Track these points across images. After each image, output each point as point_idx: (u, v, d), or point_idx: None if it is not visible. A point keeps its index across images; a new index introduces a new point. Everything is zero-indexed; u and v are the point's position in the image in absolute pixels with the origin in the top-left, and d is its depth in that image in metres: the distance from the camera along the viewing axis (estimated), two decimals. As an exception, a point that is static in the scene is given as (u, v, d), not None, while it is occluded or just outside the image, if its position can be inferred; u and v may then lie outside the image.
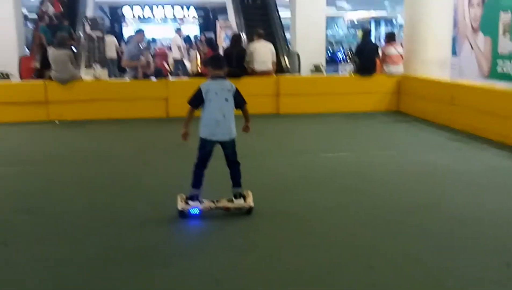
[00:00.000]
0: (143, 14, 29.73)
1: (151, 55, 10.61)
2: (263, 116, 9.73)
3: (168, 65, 14.35)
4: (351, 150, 7.07)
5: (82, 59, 14.80)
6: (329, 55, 20.03)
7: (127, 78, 10.10)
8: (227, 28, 17.53)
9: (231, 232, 4.15)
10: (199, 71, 11.48)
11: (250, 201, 4.46)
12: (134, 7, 29.28)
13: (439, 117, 8.79)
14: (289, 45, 16.51)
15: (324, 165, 6.28)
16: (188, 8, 29.33)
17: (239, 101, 4.58)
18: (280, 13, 17.38)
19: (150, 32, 26.49)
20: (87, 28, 15.39)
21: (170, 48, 17.16)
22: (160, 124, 9.26)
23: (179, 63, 15.83)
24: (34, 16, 18.65)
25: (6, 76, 13.28)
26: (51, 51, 9.63)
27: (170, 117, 9.67)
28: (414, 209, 4.61)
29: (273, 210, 4.61)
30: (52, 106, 9.41)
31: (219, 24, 18.61)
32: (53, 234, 4.09)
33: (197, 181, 4.45)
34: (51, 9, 14.72)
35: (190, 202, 4.39)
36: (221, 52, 13.14)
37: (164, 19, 30.90)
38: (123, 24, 30.11)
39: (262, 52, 10.09)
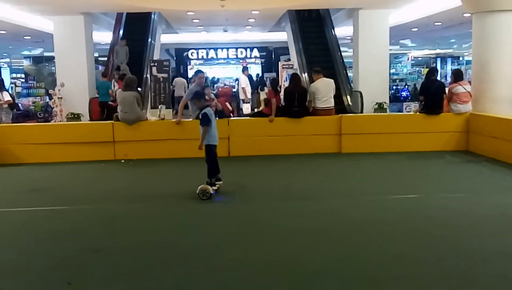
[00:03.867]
0: (207, 56, 30.64)
1: (214, 95, 10.75)
2: (325, 155, 9.62)
3: (230, 105, 14.54)
4: (418, 192, 6.77)
5: (149, 100, 15.31)
6: (393, 93, 19.67)
7: (190, 118, 10.27)
8: (289, 68, 17.62)
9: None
10: (260, 110, 11.50)
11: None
12: (199, 50, 30.28)
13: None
14: (351, 84, 16.39)
15: (390, 207, 6.02)
16: (251, 50, 29.99)
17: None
18: (342, 52, 17.35)
19: (214, 72, 27.24)
20: (154, 70, 15.95)
21: (235, 87, 17.56)
22: (221, 162, 9.28)
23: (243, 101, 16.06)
24: (104, 58, 19.60)
25: (77, 116, 13.92)
26: (119, 92, 9.98)
27: (231, 156, 9.71)
28: (491, 256, 4.29)
29: (338, 255, 4.42)
30: (118, 145, 9.69)
31: (281, 64, 18.75)
32: (118, 274, 4.09)
33: (218, 169, 6.78)
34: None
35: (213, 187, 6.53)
36: (282, 92, 13.17)
37: (228, 60, 31.69)
38: (188, 65, 31.10)
39: (324, 90, 10.03)
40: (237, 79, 24.96)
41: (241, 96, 16.63)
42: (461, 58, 29.56)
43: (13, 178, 8.34)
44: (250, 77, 18.79)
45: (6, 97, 11.00)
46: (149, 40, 18.09)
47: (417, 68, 26.63)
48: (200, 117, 6.70)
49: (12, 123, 11.09)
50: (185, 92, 16.69)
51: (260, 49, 30.08)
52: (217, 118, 9.81)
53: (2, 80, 13.19)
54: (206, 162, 6.76)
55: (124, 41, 15.98)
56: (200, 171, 8.59)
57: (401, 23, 17.34)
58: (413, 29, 20.01)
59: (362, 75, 15.53)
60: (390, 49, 17.12)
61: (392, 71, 23.56)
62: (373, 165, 8.84)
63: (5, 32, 18.71)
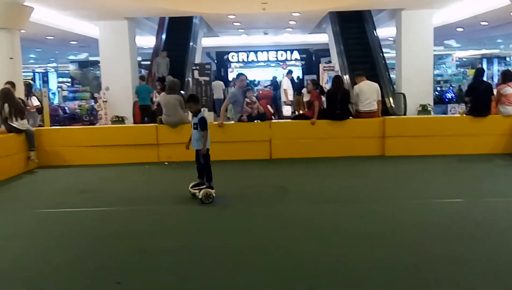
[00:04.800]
0: (247, 58, 30.80)
1: (256, 98, 10.79)
2: (368, 157, 9.50)
3: (272, 107, 14.55)
4: (465, 195, 6.59)
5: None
6: (437, 95, 19.25)
7: (232, 121, 10.34)
8: (330, 70, 17.50)
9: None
10: (302, 113, 11.46)
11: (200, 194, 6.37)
12: (240, 52, 30.46)
13: None
14: (394, 86, 16.15)
15: (437, 210, 5.88)
16: (291, 52, 29.95)
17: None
18: (384, 53, 17.13)
19: (254, 75, 27.36)
20: (196, 73, 16.13)
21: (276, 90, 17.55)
22: (263, 164, 9.32)
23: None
24: (147, 62, 19.95)
25: (121, 119, 14.22)
26: (162, 96, 10.13)
27: (273, 159, 9.71)
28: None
29: (384, 257, 4.35)
30: (162, 148, 9.83)
31: (321, 66, 18.64)
32: (165, 274, 4.14)
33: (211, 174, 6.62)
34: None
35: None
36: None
37: (268, 63, 31.75)
38: (229, 68, 31.32)
39: (368, 92, 9.90)
40: (272, 81, 24.91)
41: (283, 98, 16.57)
42: (507, 59, 28.64)
43: (62, 180, 8.58)
44: (292, 80, 18.75)
45: (35, 102, 11.20)
46: (191, 43, 18.32)
47: (462, 69, 25.95)
48: (199, 121, 6.54)
49: (38, 126, 11.25)
50: (224, 95, 16.84)
51: (300, 51, 29.99)
52: (259, 121, 9.93)
53: (31, 85, 13.39)
54: (204, 166, 6.64)
55: (165, 53, 16.15)
56: (242, 173, 8.67)
57: (446, 23, 16.99)
58: (458, 29, 19.56)
59: (405, 76, 15.30)
60: (434, 50, 16.79)
61: (436, 72, 23.04)
62: (418, 168, 8.67)
63: (53, 37, 19.31)
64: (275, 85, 22.21)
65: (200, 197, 6.38)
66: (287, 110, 16.38)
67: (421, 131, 9.83)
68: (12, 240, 5.25)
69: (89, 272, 4.25)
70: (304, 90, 16.12)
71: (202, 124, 6.53)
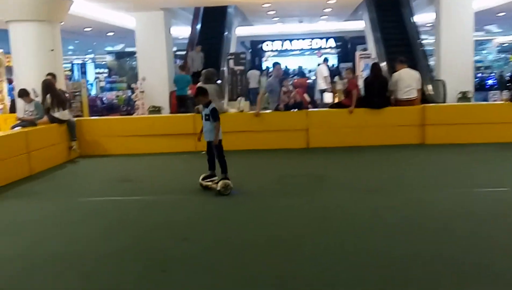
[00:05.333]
0: (282, 47, 30.66)
1: (292, 86, 10.72)
2: (408, 146, 9.36)
3: (308, 95, 14.45)
4: (508, 185, 6.41)
5: (226, 92, 15.54)
6: (477, 81, 18.77)
7: (269, 110, 10.32)
8: (367, 57, 17.25)
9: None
10: (339, 101, 11.35)
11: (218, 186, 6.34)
12: (274, 41, 30.34)
13: None
14: (433, 73, 15.80)
15: (481, 200, 5.75)
16: (326, 40, 29.65)
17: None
18: (422, 40, 16.76)
19: (289, 63, 27.22)
20: (231, 63, 16.16)
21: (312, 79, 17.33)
22: (300, 154, 9.29)
23: (321, 93, 15.83)
24: (182, 52, 20.08)
25: (158, 109, 14.36)
26: (200, 86, 10.17)
27: (310, 148, 9.66)
28: None
29: (426, 247, 4.28)
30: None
31: (358, 54, 18.39)
32: (208, 262, 4.18)
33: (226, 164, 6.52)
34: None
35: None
36: (360, 82, 12.92)
37: (302, 51, 31.53)
38: (263, 57, 31.26)
39: (407, 80, 9.71)
40: (297, 70, 24.54)
41: (321, 86, 16.23)
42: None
43: (102, 169, 8.75)
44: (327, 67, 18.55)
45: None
46: (226, 33, 18.33)
47: (503, 55, 25.20)
48: (210, 112, 6.51)
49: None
50: (258, 84, 16.80)
51: (335, 39, 29.68)
52: (296, 110, 9.88)
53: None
54: (218, 157, 6.58)
55: (199, 47, 16.13)
56: (280, 162, 8.65)
57: (486, 7, 16.47)
58: (499, 14, 18.96)
59: (444, 63, 14.92)
60: (474, 35, 16.31)
61: (476, 58, 22.45)
62: (459, 156, 8.49)
63: (90, 29, 19.64)
64: (301, 75, 22.00)
65: (218, 188, 6.33)
66: (328, 97, 16.09)
67: (462, 119, 9.62)
68: (60, 227, 5.39)
69: (135, 259, 4.33)
70: (336, 78, 15.94)
71: (214, 115, 6.51)
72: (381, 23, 17.41)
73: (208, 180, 6.65)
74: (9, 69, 13.95)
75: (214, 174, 6.69)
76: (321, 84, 15.88)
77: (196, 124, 9.89)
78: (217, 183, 6.44)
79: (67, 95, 11.23)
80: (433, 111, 9.83)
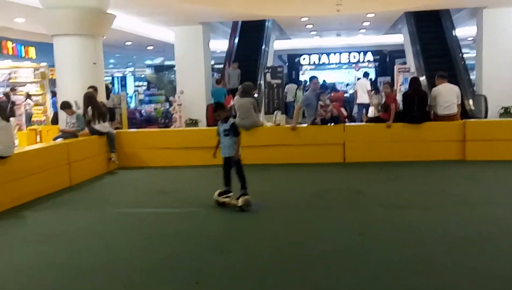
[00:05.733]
0: (319, 61, 30.61)
1: (329, 100, 10.66)
2: (448, 162, 9.15)
3: (345, 109, 14.32)
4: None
5: (263, 105, 15.57)
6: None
7: (305, 124, 10.29)
8: (406, 71, 17.03)
9: None
10: (378, 115, 11.20)
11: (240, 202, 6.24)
12: (312, 55, 30.34)
13: None
14: (474, 88, 15.49)
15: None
16: (365, 53, 29.46)
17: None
18: (463, 53, 16.47)
19: (326, 77, 27.11)
20: (268, 76, 16.21)
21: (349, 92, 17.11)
22: (336, 168, 9.20)
23: (364, 107, 15.56)
24: (220, 66, 20.30)
25: (195, 122, 14.53)
26: (237, 99, 10.24)
27: (347, 162, 9.56)
28: None
29: (472, 267, 4.15)
30: (235, 150, 9.91)
31: (396, 67, 18.18)
32: (243, 275, 4.19)
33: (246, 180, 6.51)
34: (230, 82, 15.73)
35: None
36: (399, 96, 12.75)
37: (339, 65, 31.41)
38: (300, 71, 31.27)
39: (447, 95, 9.53)
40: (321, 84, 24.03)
41: (361, 100, 15.88)
42: None
43: (140, 181, 8.87)
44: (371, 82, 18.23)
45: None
46: (263, 47, 18.44)
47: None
48: (231, 127, 6.46)
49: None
50: (295, 98, 16.77)
51: (374, 53, 29.45)
52: (332, 124, 9.82)
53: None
54: (238, 173, 6.47)
55: (236, 64, 16.14)
56: (316, 177, 8.59)
57: (531, 21, 16.05)
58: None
59: (486, 78, 14.63)
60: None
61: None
62: (501, 173, 8.25)
63: (131, 43, 20.09)
64: (334, 90, 21.77)
65: (240, 204, 6.24)
66: (371, 111, 15.77)
67: (505, 135, 9.36)
68: (98, 238, 5.47)
69: (170, 271, 4.36)
70: (372, 92, 15.63)
71: (235, 130, 6.48)
72: (420, 36, 17.21)
73: (225, 196, 6.56)
74: (52, 82, 14.40)
75: (230, 190, 6.59)
76: (363, 98, 15.51)
77: (232, 137, 9.95)
78: (237, 199, 6.35)
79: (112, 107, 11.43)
80: (474, 126, 9.61)
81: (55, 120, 13.09)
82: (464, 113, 13.13)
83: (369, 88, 15.37)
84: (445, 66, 14.87)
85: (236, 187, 6.50)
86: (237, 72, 15.81)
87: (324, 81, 23.75)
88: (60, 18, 9.86)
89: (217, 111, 6.70)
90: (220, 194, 6.58)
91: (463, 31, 18.77)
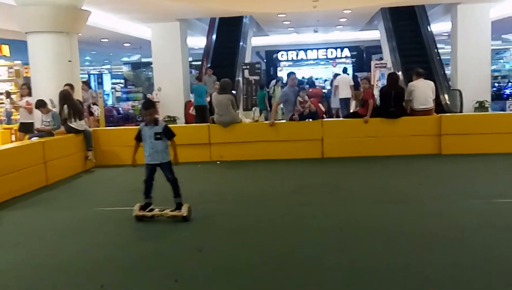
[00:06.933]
0: (297, 57, 30.72)
1: (307, 96, 10.68)
2: (424, 156, 9.27)
3: (323, 105, 14.40)
4: (529, 196, 6.31)
5: (241, 102, 15.56)
6: (494, 91, 18.59)
7: (283, 120, 10.31)
8: (382, 67, 17.18)
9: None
10: (356, 111, 11.27)
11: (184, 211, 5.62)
12: (289, 51, 30.42)
13: None
14: (449, 82, 15.71)
15: (501, 211, 5.66)
16: (342, 49, 29.66)
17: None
18: (439, 49, 16.68)
19: (304, 73, 27.22)
20: (246, 73, 16.21)
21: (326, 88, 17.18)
22: (314, 164, 9.25)
23: (343, 101, 15.61)
24: (198, 63, 20.21)
25: (173, 119, 14.45)
26: (214, 96, 10.22)
27: (325, 158, 9.62)
28: None
29: (447, 260, 4.21)
30: (214, 147, 9.92)
31: (373, 63, 18.33)
32: (222, 273, 4.17)
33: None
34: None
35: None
36: (376, 91, 12.86)
37: (317, 61, 31.55)
38: (278, 67, 31.33)
39: (423, 90, 9.65)
40: (310, 79, 24.12)
41: (344, 95, 15.83)
42: None
43: (117, 179, 8.80)
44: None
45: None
46: (241, 43, 18.43)
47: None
48: (163, 130, 5.77)
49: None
50: (273, 94, 16.79)
51: (351, 49, 29.67)
52: (310, 120, 9.86)
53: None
54: (173, 180, 5.87)
55: (210, 70, 15.91)
56: (295, 172, 8.62)
57: (504, 16, 16.34)
58: (517, 23, 18.78)
59: (461, 72, 14.86)
60: (491, 45, 16.19)
61: (493, 67, 22.25)
62: (477, 166, 8.40)
63: (107, 40, 19.87)
64: (312, 85, 21.77)
65: (185, 215, 5.65)
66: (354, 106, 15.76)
67: (479, 129, 9.51)
68: (76, 236, 5.42)
69: (146, 269, 4.33)
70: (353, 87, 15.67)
71: (169, 133, 5.82)
72: (396, 32, 17.39)
73: (149, 209, 5.83)
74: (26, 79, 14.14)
75: (151, 202, 5.90)
76: (345, 93, 15.46)
77: (211, 134, 9.93)
78: (175, 210, 5.76)
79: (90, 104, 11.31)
80: (450, 121, 9.74)
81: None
82: (441, 108, 13.32)
83: (352, 83, 15.46)
84: (421, 62, 15.10)
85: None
86: (213, 79, 15.35)
87: (303, 77, 23.83)
88: (34, 15, 9.70)
89: (149, 108, 5.84)
90: (142, 208, 5.82)
91: (438, 27, 19.02)
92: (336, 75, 17.31)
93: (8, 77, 15.50)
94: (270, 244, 4.91)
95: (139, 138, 5.90)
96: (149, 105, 5.96)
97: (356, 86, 15.40)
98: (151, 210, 5.83)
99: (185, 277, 4.10)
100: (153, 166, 5.88)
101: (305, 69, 31.18)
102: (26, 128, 10.64)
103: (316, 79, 27.49)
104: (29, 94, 10.94)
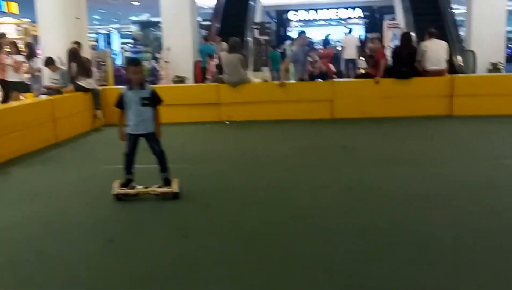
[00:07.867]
0: (308, 17, 30.20)
1: (318, 57, 10.55)
2: (436, 117, 9.17)
3: (334, 66, 14.21)
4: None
5: (251, 62, 15.39)
6: (509, 52, 18.24)
7: (293, 80, 10.20)
8: (395, 27, 16.86)
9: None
10: (367, 71, 11.12)
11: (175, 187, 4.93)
12: (300, 11, 29.88)
13: None
14: (463, 43, 15.40)
15: (510, 172, 5.60)
16: (353, 9, 29.09)
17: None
18: (453, 9, 16.29)
19: (315, 34, 26.78)
20: (256, 33, 15.97)
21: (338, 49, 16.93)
22: (324, 124, 9.19)
23: (350, 62, 15.41)
24: (208, 23, 19.92)
25: (182, 79, 14.35)
26: (224, 55, 10.10)
27: (335, 118, 9.55)
28: None
29: (451, 221, 4.19)
30: (223, 107, 9.86)
31: (386, 23, 17.99)
32: (226, 230, 4.20)
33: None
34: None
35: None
36: (388, 52, 12.64)
37: (329, 21, 31.02)
38: (288, 27, 30.88)
39: (435, 51, 9.46)
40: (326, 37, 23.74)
41: (349, 56, 15.65)
42: None
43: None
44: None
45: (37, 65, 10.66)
46: (251, 2, 18.11)
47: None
48: (151, 95, 4.93)
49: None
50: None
51: (363, 9, 29.08)
52: (320, 80, 9.74)
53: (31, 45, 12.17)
54: (161, 153, 5.14)
55: (219, 38, 15.55)
56: (304, 133, 8.57)
57: (522, -25, 15.88)
58: (535, -18, 18.23)
59: (475, 33, 14.50)
60: (507, 5, 15.75)
61: (509, 29, 21.74)
62: (488, 128, 8.30)
63: (115, -3, 19.60)
64: (327, 44, 21.43)
65: (176, 191, 4.97)
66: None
67: (492, 90, 9.38)
68: (87, 194, 5.44)
69: (159, 224, 4.36)
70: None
71: (157, 99, 4.98)
72: (410, -9, 16.98)
73: (132, 185, 5.10)
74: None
75: (133, 178, 5.14)
76: (351, 54, 15.25)
77: (220, 94, 9.86)
78: (165, 185, 5.07)
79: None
80: (462, 81, 9.59)
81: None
82: (454, 69, 13.09)
83: (358, 43, 15.21)
84: (434, 22, 14.76)
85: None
86: (220, 46, 15.18)
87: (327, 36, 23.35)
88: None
89: (139, 65, 5.07)
90: (123, 186, 5.07)
91: (454, -14, 18.53)
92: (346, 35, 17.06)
93: (17, 35, 15.40)
94: (268, 202, 4.89)
95: (121, 105, 5.01)
96: (139, 61, 5.23)
97: (363, 48, 15.18)
98: (133, 187, 5.09)
99: (192, 233, 4.12)
100: (138, 137, 5.03)
101: (316, 30, 30.70)
102: (14, 87, 10.07)
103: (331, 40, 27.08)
104: (31, 55, 10.85)
